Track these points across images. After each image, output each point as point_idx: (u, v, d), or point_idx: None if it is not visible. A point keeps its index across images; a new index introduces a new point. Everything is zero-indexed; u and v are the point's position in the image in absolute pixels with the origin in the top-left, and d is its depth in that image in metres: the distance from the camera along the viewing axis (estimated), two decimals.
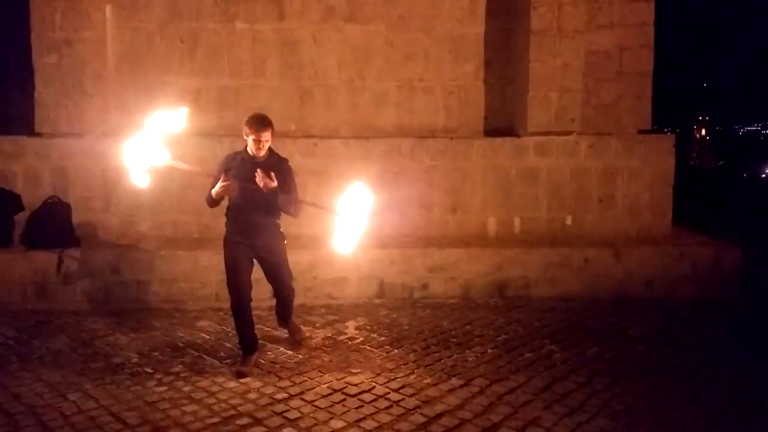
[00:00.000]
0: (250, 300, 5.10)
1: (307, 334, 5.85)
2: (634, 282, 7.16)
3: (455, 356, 5.43)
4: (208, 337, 5.86)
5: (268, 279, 5.33)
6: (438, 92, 8.24)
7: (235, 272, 5.03)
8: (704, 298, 7.02)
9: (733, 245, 7.43)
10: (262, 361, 5.21)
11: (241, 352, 5.19)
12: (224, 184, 4.78)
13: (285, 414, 4.37)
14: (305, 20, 8.11)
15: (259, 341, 5.35)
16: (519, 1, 7.94)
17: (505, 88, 8.24)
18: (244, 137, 4.96)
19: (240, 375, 4.93)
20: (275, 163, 4.99)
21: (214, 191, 4.87)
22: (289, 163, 5.13)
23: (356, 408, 4.48)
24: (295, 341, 5.62)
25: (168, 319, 6.32)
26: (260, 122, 4.90)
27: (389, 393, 4.71)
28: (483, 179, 7.81)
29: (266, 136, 4.90)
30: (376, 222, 7.68)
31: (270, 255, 5.15)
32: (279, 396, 4.64)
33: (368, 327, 6.16)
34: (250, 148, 4.93)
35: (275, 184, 4.78)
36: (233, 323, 5.23)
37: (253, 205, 4.92)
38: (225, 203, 5.12)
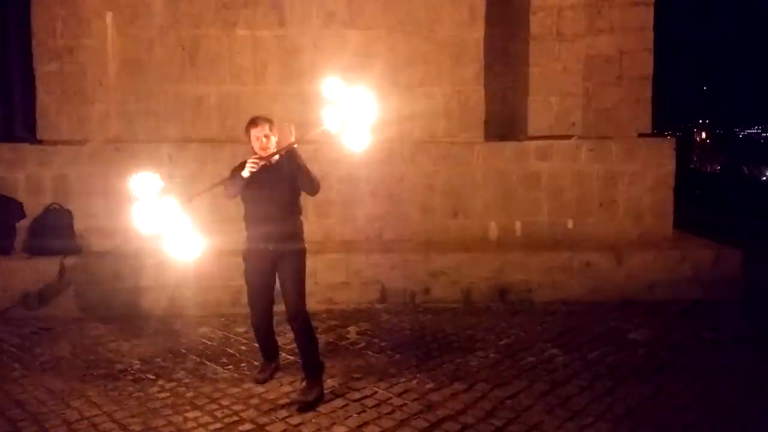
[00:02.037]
0: (269, 317, 4.88)
1: None
2: (636, 285, 7.15)
3: (457, 361, 5.43)
4: (210, 343, 5.86)
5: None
6: (438, 97, 8.26)
7: (252, 289, 4.79)
8: (706, 301, 7.01)
9: (735, 248, 7.43)
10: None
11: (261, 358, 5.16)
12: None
13: (287, 420, 4.37)
14: (306, 26, 8.14)
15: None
16: (518, 6, 7.97)
17: (506, 93, 8.27)
18: (251, 143, 4.69)
19: (256, 381, 4.95)
20: (285, 157, 4.62)
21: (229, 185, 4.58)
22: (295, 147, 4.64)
23: (358, 413, 4.48)
24: (297, 400, 4.61)
25: (170, 326, 6.33)
26: (255, 119, 4.67)
27: (391, 398, 4.71)
28: (484, 183, 7.81)
29: (264, 130, 4.59)
30: (378, 226, 7.75)
31: (282, 265, 4.70)
32: (281, 402, 4.63)
33: (370, 332, 6.16)
34: (258, 149, 4.62)
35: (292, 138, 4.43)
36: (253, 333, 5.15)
37: (268, 210, 4.62)
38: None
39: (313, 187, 4.66)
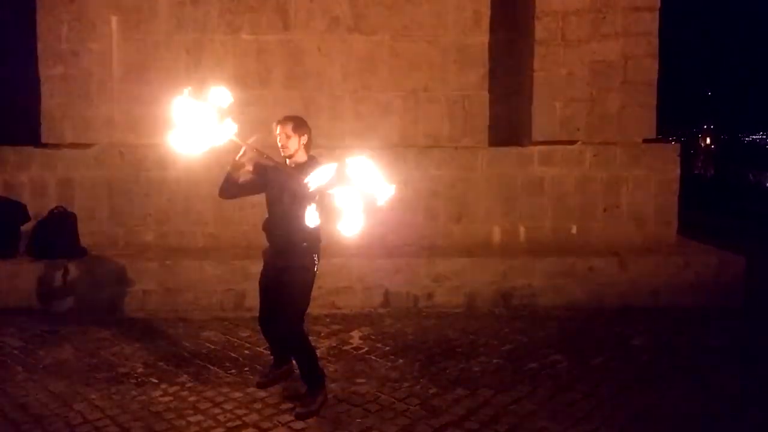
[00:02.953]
0: (273, 321, 4.77)
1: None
2: (639, 291, 7.13)
3: (460, 366, 5.42)
4: (213, 347, 5.86)
5: None
6: (443, 102, 8.27)
7: (259, 291, 4.80)
8: (709, 308, 6.99)
9: (738, 254, 7.41)
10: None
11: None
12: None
13: (290, 424, 4.37)
14: (310, 31, 8.15)
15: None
16: (523, 11, 7.98)
17: (510, 98, 8.26)
18: None
19: (259, 385, 4.94)
20: (309, 168, 4.31)
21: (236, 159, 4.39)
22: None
23: (361, 418, 4.47)
24: (296, 412, 4.50)
25: (173, 329, 6.33)
26: (280, 118, 4.53)
27: (394, 403, 4.70)
28: (488, 188, 7.81)
29: (280, 128, 4.46)
30: (381, 231, 7.74)
31: (281, 281, 4.52)
32: (284, 406, 4.63)
33: (373, 336, 6.16)
34: (280, 148, 4.50)
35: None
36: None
37: (275, 218, 4.53)
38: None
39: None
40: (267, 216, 4.66)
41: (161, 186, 7.61)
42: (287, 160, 4.55)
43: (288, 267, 4.50)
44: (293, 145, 4.49)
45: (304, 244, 4.51)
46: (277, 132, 4.49)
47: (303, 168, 4.40)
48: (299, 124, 4.52)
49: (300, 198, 4.27)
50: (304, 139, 4.54)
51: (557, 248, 7.61)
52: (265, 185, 4.61)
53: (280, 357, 5.04)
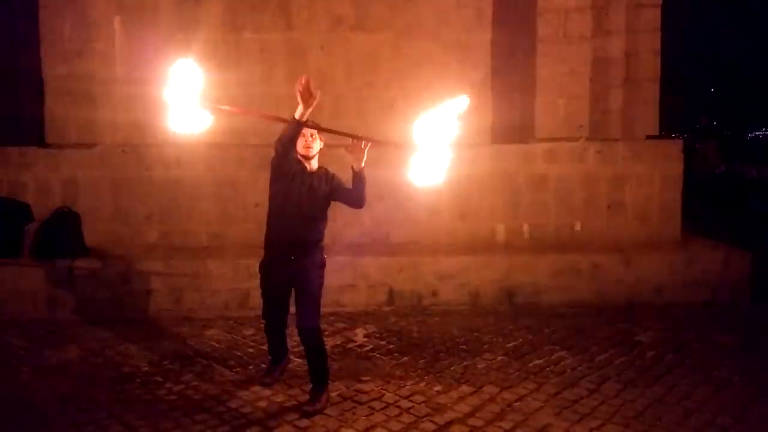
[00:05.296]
0: (285, 323, 4.89)
1: None
2: (644, 288, 7.12)
3: (465, 363, 5.42)
4: (217, 345, 5.86)
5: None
6: (445, 100, 8.23)
7: (269, 298, 4.78)
8: (714, 304, 6.99)
9: (744, 250, 7.40)
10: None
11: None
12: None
13: (295, 422, 4.37)
14: (313, 29, 8.15)
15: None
16: (525, 9, 7.96)
17: (513, 95, 8.25)
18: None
19: (264, 384, 4.95)
20: (324, 174, 4.70)
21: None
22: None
23: (366, 416, 4.48)
24: (303, 410, 4.53)
25: (178, 328, 6.33)
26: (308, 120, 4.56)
27: (399, 400, 4.71)
28: (491, 186, 7.80)
29: (312, 131, 4.59)
30: (385, 229, 7.74)
31: (301, 281, 4.58)
32: (289, 404, 4.64)
33: (377, 334, 6.16)
34: (300, 147, 4.58)
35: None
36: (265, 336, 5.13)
37: (297, 217, 4.52)
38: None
39: (363, 201, 4.73)
40: (278, 216, 4.59)
41: (165, 185, 7.60)
42: (307, 161, 4.64)
43: (310, 263, 4.60)
44: (317, 147, 4.66)
45: (320, 241, 4.71)
46: (305, 132, 4.58)
47: (321, 171, 4.70)
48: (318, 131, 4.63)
49: (327, 198, 4.64)
50: (321, 145, 4.71)
51: (561, 245, 7.60)
52: (286, 174, 4.55)
53: (280, 353, 5.08)
